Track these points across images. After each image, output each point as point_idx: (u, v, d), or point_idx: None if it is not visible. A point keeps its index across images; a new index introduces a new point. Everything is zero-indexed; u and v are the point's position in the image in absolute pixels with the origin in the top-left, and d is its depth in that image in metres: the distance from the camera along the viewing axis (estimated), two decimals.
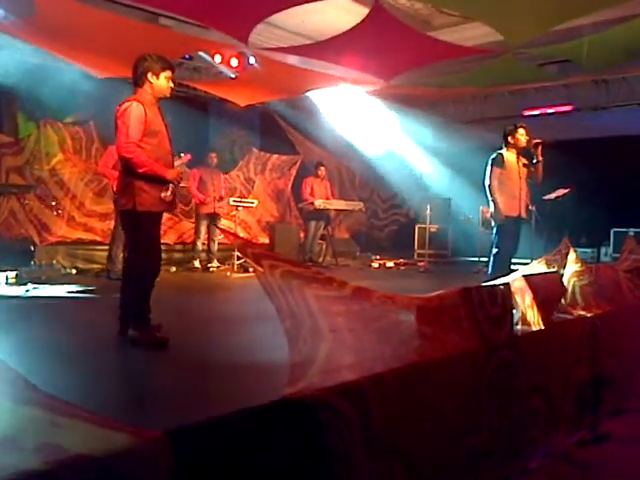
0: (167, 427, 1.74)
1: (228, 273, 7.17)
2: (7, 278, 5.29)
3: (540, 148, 5.51)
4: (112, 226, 6.52)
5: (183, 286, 6.31)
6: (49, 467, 1.50)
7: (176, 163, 6.75)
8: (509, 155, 5.57)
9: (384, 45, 6.69)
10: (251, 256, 2.26)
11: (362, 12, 6.33)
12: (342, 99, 9.35)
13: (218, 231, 7.56)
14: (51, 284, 5.58)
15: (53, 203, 7.26)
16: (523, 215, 5.59)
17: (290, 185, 10.30)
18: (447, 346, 2.68)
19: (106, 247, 6.60)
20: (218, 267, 7.66)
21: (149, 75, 3.52)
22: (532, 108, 9.40)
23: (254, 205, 8.02)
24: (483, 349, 2.78)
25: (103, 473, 1.54)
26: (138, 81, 3.55)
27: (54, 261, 6.54)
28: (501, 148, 5.60)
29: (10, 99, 7.71)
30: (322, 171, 8.85)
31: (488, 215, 8.02)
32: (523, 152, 5.59)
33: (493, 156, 5.60)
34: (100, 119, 8.08)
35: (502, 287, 3.09)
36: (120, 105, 3.53)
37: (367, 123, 10.05)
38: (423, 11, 7.40)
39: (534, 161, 5.57)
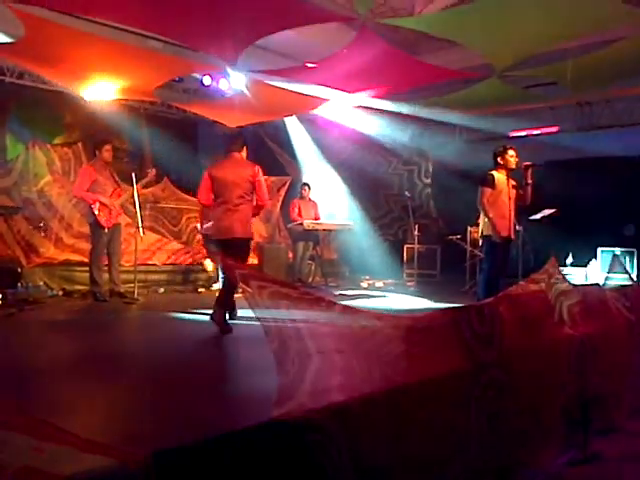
0: (151, 449, 1.72)
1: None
2: None
3: (530, 171, 5.52)
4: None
5: (178, 306, 6.25)
6: None
7: (146, 180, 6.82)
8: (499, 176, 5.58)
9: (371, 67, 6.77)
10: (239, 277, 2.26)
11: (349, 35, 6.41)
12: (333, 116, 9.43)
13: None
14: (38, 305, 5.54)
15: (41, 224, 7.21)
16: (511, 235, 5.62)
17: (279, 206, 10.32)
18: (436, 366, 2.67)
19: None
20: (209, 288, 7.65)
21: None
22: (519, 129, 9.51)
23: None
24: (471, 368, 2.77)
25: None
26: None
27: (41, 282, 6.48)
28: (491, 169, 5.62)
29: None
30: (307, 191, 8.89)
31: (477, 235, 8.10)
32: (512, 174, 5.62)
33: (484, 176, 5.63)
34: (88, 141, 8.11)
35: (490, 305, 3.10)
36: (253, 166, 4.84)
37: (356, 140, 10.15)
38: (410, 35, 7.49)
39: (523, 183, 5.58)
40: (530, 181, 5.55)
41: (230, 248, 4.65)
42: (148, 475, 1.67)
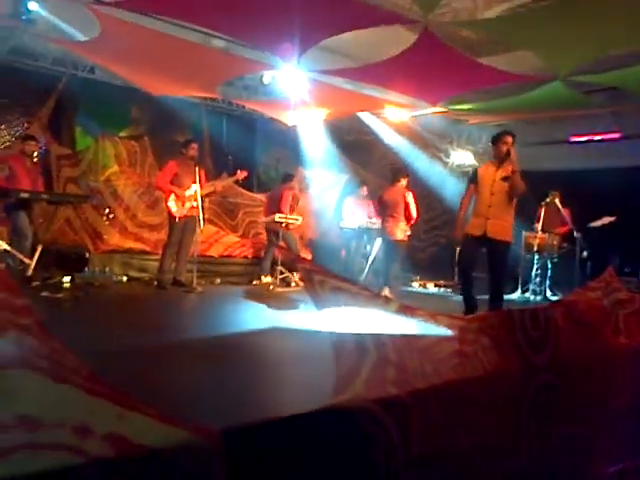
0: (222, 426, 1.87)
1: (271, 287, 7.33)
2: (62, 283, 5.56)
3: (510, 156, 4.94)
4: (163, 237, 6.79)
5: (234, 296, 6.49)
6: (116, 455, 1.63)
7: (231, 179, 7.14)
8: (486, 169, 5.19)
9: (432, 69, 6.80)
10: (303, 271, 2.39)
11: (411, 37, 6.45)
12: (390, 120, 9.48)
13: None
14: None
15: (107, 213, 7.57)
16: (491, 235, 4.94)
17: (333, 203, 10.44)
18: (487, 367, 2.73)
19: (155, 257, 6.86)
20: (259, 280, 7.86)
21: None
22: (579, 135, 9.34)
23: (298, 222, 8.19)
24: (523, 371, 2.82)
25: (163, 465, 1.66)
26: None
27: (107, 268, 6.82)
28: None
29: (69, 114, 8.11)
30: (364, 190, 8.99)
31: (532, 240, 8.02)
32: (508, 161, 5.02)
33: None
34: (154, 135, 8.44)
35: (545, 310, 3.13)
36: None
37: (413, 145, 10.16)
38: (471, 37, 7.46)
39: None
40: (512, 169, 4.92)
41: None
42: (220, 450, 1.81)
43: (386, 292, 6.73)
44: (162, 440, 1.74)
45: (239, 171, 7.14)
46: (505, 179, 4.98)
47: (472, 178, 5.23)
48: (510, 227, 5.05)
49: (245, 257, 8.52)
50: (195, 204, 6.67)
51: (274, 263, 7.79)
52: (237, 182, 7.54)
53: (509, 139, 5.03)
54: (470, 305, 5.05)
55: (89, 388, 1.84)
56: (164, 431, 1.77)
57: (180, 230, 6.64)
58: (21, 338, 1.86)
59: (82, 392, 1.84)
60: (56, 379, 1.96)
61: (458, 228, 5.18)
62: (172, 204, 6.62)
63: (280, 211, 8.01)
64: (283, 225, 7.89)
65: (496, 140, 5.12)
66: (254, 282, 7.84)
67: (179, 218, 6.58)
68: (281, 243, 7.83)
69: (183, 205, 6.64)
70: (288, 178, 8.47)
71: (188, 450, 1.76)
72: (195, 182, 6.68)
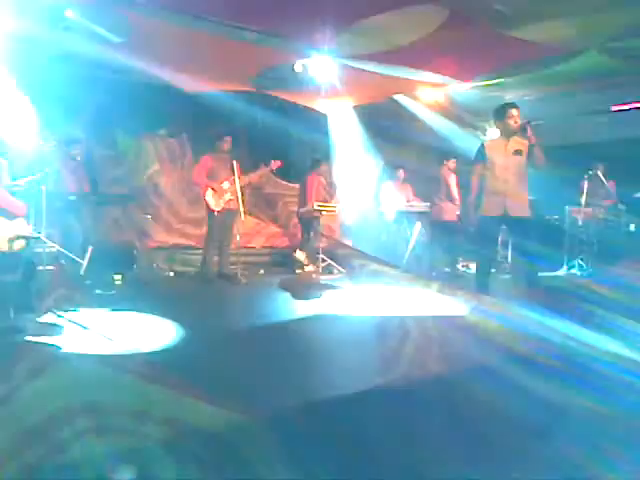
0: (274, 408, 1.95)
1: (314, 275, 7.41)
2: (114, 280, 5.76)
3: (529, 130, 4.76)
4: (205, 231, 6.94)
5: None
6: (177, 438, 1.74)
7: (266, 169, 7.22)
8: (494, 145, 4.94)
9: (464, 47, 6.72)
10: (343, 256, 2.45)
11: (442, 15, 6.37)
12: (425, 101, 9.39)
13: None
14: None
15: (151, 210, 7.77)
16: (512, 213, 4.75)
17: (372, 188, 10.43)
18: (530, 344, 2.74)
19: (199, 251, 7.02)
20: (302, 269, 7.95)
21: None
22: (621, 103, 9.06)
23: (336, 209, 8.23)
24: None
25: (216, 446, 1.76)
26: None
27: (154, 264, 7.03)
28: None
29: (109, 115, 8.30)
30: (401, 174, 8.97)
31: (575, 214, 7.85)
32: (517, 135, 4.88)
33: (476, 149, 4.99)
34: (191, 131, 8.59)
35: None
36: None
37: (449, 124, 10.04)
38: (502, 11, 7.31)
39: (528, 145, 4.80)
40: (534, 140, 4.76)
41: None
42: (271, 432, 1.90)
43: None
44: (216, 422, 1.84)
45: (272, 161, 7.22)
46: (517, 152, 4.82)
47: (479, 157, 4.95)
48: (528, 202, 4.89)
49: (287, 247, 8.62)
50: (232, 197, 6.78)
51: (316, 252, 7.85)
52: (272, 172, 7.60)
53: (515, 111, 4.84)
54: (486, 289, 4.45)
55: (148, 376, 1.96)
56: (217, 414, 1.87)
57: (219, 224, 6.77)
58: (82, 331, 1.98)
59: (141, 380, 1.96)
60: (116, 368, 2.09)
61: (471, 210, 4.93)
62: (210, 198, 6.74)
63: (308, 199, 8.05)
64: (317, 213, 7.94)
65: (501, 114, 4.91)
66: (297, 271, 7.94)
67: (217, 212, 6.70)
68: (312, 232, 7.89)
69: (220, 198, 6.76)
70: (315, 165, 8.48)
71: (240, 432, 1.86)
72: (231, 175, 6.79)
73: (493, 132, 10.96)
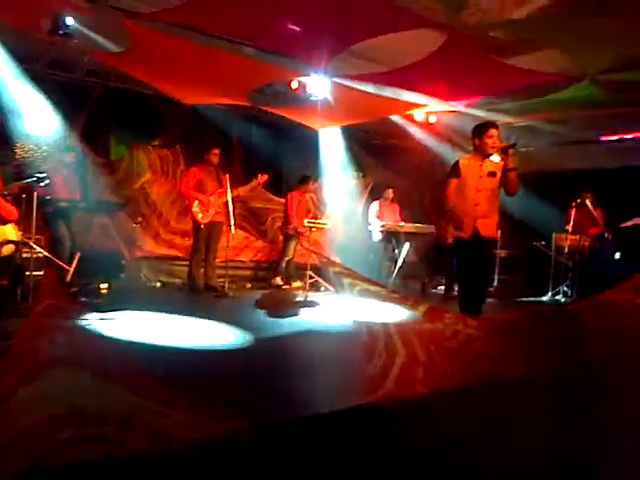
0: (256, 423, 1.96)
1: (301, 291, 7.43)
2: (100, 289, 5.74)
3: (509, 153, 4.52)
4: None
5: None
6: (159, 449, 1.74)
7: (252, 183, 7.23)
8: (469, 163, 4.68)
9: (460, 72, 6.82)
10: (334, 274, 2.47)
11: (439, 40, 6.48)
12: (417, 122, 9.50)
13: (297, 250, 7.96)
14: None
15: (140, 220, 7.76)
16: (481, 233, 4.54)
17: (361, 207, 10.50)
18: (517, 367, 2.77)
19: (187, 262, 7.01)
20: (290, 285, 7.97)
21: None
22: (610, 134, 9.22)
23: (327, 226, 8.28)
24: (555, 372, 2.84)
25: (200, 459, 1.77)
26: None
27: (141, 274, 7.00)
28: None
29: (103, 124, 8.32)
30: (389, 194, 9.06)
31: (563, 242, 7.94)
32: (493, 156, 4.68)
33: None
34: (185, 143, 8.62)
35: (574, 310, 3.15)
36: None
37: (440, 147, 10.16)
38: (499, 38, 7.45)
39: (505, 169, 4.53)
40: (512, 165, 4.50)
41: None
42: (253, 446, 1.91)
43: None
44: (200, 435, 1.84)
45: (259, 175, 7.25)
46: (491, 174, 4.58)
47: (454, 172, 4.68)
48: (497, 224, 4.72)
49: (275, 261, 8.63)
50: (220, 210, 6.79)
51: (297, 269, 7.88)
52: (259, 185, 7.57)
53: (494, 132, 4.59)
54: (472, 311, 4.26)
55: (133, 386, 1.96)
56: (202, 426, 1.87)
57: (205, 236, 6.75)
58: (70, 339, 1.99)
59: (127, 390, 1.96)
60: (103, 377, 2.09)
61: (450, 228, 4.65)
62: (197, 210, 6.72)
63: (288, 215, 8.12)
64: (297, 232, 8.00)
65: (480, 133, 4.63)
66: (284, 287, 7.95)
67: (204, 224, 6.68)
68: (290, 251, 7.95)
69: (207, 211, 6.75)
70: (303, 181, 8.54)
71: (224, 444, 1.86)
72: (218, 187, 6.79)
73: None
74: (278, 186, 9.13)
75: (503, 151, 4.55)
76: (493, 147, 4.56)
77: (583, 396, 3.03)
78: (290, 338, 4.29)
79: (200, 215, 6.71)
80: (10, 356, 1.78)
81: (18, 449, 1.53)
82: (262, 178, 7.24)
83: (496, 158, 4.71)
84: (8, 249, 4.00)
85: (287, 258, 8.12)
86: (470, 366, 2.55)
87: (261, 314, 5.69)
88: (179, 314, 5.43)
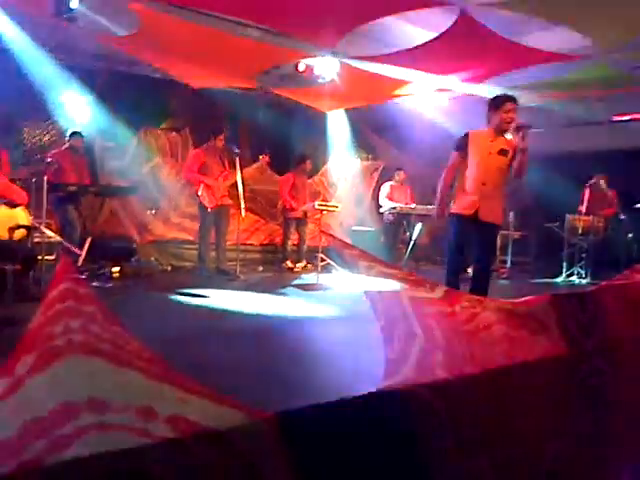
0: (277, 409, 1.92)
1: (312, 274, 7.40)
2: (111, 273, 5.73)
3: (523, 133, 4.11)
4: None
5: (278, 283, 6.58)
6: (179, 436, 1.71)
7: (255, 165, 7.15)
8: (480, 138, 4.29)
9: (471, 51, 6.71)
10: (349, 257, 2.43)
11: (448, 20, 6.37)
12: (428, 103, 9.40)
13: (308, 233, 7.90)
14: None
15: (151, 204, 7.74)
16: (483, 217, 4.18)
17: (371, 190, 10.44)
18: (535, 351, 2.73)
19: (197, 246, 6.99)
20: (304, 267, 7.94)
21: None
22: (622, 114, 9.08)
23: (338, 209, 8.24)
24: (572, 356, 2.80)
25: (224, 446, 1.74)
26: None
27: (152, 258, 6.99)
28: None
29: (111, 107, 8.27)
30: (401, 175, 8.97)
31: (577, 222, 7.85)
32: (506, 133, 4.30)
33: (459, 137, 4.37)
34: (194, 126, 8.57)
35: (593, 294, 3.10)
36: None
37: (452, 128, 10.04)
38: (510, 17, 7.31)
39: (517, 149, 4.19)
40: (524, 146, 4.12)
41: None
42: (275, 434, 1.88)
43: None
44: (221, 422, 1.81)
45: (261, 156, 7.19)
46: (503, 152, 4.21)
47: (461, 145, 4.29)
48: (502, 208, 4.38)
49: (292, 244, 8.61)
50: (225, 193, 6.74)
51: (305, 252, 7.84)
52: (269, 166, 7.48)
53: (512, 106, 4.19)
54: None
55: (151, 372, 1.93)
56: (223, 413, 1.84)
57: (212, 220, 6.69)
58: (86, 325, 1.96)
59: (145, 376, 1.92)
60: (120, 364, 2.05)
61: (442, 204, 4.34)
62: (204, 194, 6.64)
63: (282, 198, 8.06)
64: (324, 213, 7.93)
65: (496, 106, 4.23)
66: (295, 269, 7.92)
67: (211, 208, 6.61)
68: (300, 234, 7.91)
69: (214, 195, 6.68)
70: (298, 162, 8.43)
71: (245, 432, 1.84)
72: (224, 170, 6.74)
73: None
74: (287, 169, 9.07)
75: (516, 129, 4.17)
76: (509, 122, 4.17)
77: (603, 379, 2.98)
78: (307, 322, 4.27)
79: (207, 199, 6.64)
80: (24, 342, 1.74)
81: (32, 438, 1.49)
82: (264, 159, 7.18)
83: (509, 135, 4.31)
84: (20, 233, 3.99)
85: (290, 242, 8.08)
86: (490, 349, 2.50)
87: (273, 297, 5.67)
88: (192, 297, 5.43)
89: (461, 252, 4.30)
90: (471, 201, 4.17)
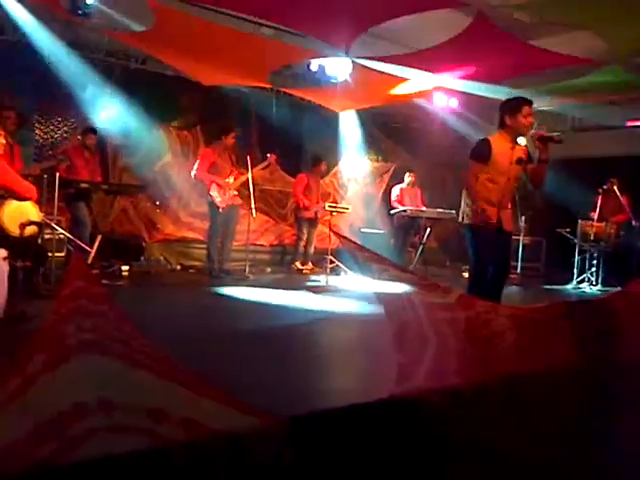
0: (289, 413, 1.90)
1: (322, 276, 7.37)
2: (121, 271, 5.72)
3: (546, 144, 3.96)
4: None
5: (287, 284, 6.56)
6: (192, 439, 1.69)
7: (263, 164, 7.15)
8: (500, 145, 4.05)
9: (485, 54, 6.67)
10: (362, 258, 2.39)
11: (464, 21, 6.33)
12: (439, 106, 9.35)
13: (316, 235, 7.89)
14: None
15: (160, 202, 7.73)
16: (505, 227, 4.17)
17: (381, 192, 10.40)
18: (550, 358, 2.69)
19: (206, 246, 6.98)
20: (312, 269, 7.92)
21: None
22: (636, 119, 9.00)
23: (348, 211, 8.19)
24: (586, 363, 2.76)
25: (233, 450, 1.71)
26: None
27: (161, 257, 6.99)
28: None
29: (123, 106, 8.28)
30: (412, 178, 8.93)
31: (589, 229, 7.77)
32: (520, 138, 4.12)
33: (476, 145, 4.15)
34: (205, 124, 8.56)
35: (607, 301, 3.05)
36: None
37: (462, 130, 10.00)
38: (525, 20, 7.26)
39: (535, 159, 4.07)
40: (546, 157, 3.98)
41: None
42: (287, 437, 1.86)
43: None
44: (233, 426, 1.79)
45: (269, 155, 7.17)
46: (520, 161, 4.07)
47: (484, 153, 4.04)
48: (513, 215, 4.40)
49: (294, 246, 8.59)
50: (236, 192, 6.72)
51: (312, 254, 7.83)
52: (271, 165, 7.47)
53: (530, 110, 4.02)
54: None
55: (164, 373, 1.90)
56: (235, 417, 1.82)
57: (223, 219, 6.67)
58: (98, 324, 1.93)
59: (157, 377, 1.90)
60: (133, 364, 2.03)
61: (479, 214, 4.06)
62: (215, 194, 6.62)
63: (295, 197, 8.07)
64: (314, 215, 7.95)
65: (512, 110, 4.02)
66: (304, 271, 7.90)
67: (222, 208, 6.59)
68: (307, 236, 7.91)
69: (225, 194, 6.66)
70: (313, 163, 8.47)
71: (258, 435, 1.81)
72: (234, 170, 6.73)
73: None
74: (298, 169, 9.04)
75: (542, 140, 3.99)
76: (528, 127, 4.03)
77: (618, 386, 2.94)
78: (318, 325, 4.24)
79: (219, 199, 6.62)
80: (37, 340, 1.72)
81: (42, 438, 1.47)
82: (272, 157, 7.15)
83: (522, 141, 4.16)
84: (30, 230, 3.98)
85: (302, 242, 8.06)
86: (504, 356, 2.46)
87: (283, 299, 5.65)
88: (201, 297, 5.42)
89: (490, 262, 4.17)
90: (495, 211, 4.08)
